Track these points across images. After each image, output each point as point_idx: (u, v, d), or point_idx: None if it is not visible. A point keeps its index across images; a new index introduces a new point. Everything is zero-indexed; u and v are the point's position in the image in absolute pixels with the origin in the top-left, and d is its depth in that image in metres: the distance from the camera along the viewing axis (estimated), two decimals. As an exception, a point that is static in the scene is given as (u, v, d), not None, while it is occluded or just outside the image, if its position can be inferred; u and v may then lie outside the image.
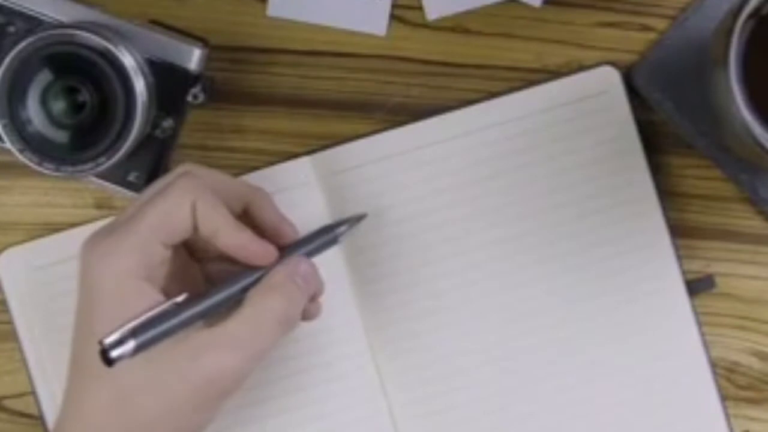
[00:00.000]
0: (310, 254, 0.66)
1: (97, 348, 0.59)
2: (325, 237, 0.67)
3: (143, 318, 0.59)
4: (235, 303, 0.61)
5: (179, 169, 0.63)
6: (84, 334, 0.61)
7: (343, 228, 0.67)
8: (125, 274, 0.59)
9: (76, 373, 0.61)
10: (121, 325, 0.58)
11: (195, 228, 0.61)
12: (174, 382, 0.59)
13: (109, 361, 0.58)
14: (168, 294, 0.61)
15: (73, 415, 0.61)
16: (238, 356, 0.60)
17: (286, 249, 0.65)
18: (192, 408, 0.60)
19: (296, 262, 0.63)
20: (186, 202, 0.61)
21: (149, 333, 0.59)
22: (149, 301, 0.60)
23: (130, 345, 0.58)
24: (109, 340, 0.58)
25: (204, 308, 0.61)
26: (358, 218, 0.68)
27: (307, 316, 0.66)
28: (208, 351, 0.59)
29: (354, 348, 0.70)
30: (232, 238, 0.61)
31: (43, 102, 0.64)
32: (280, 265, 0.63)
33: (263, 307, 0.61)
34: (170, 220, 0.60)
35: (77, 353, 0.61)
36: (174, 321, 0.60)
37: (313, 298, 0.67)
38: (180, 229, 0.61)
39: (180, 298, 0.61)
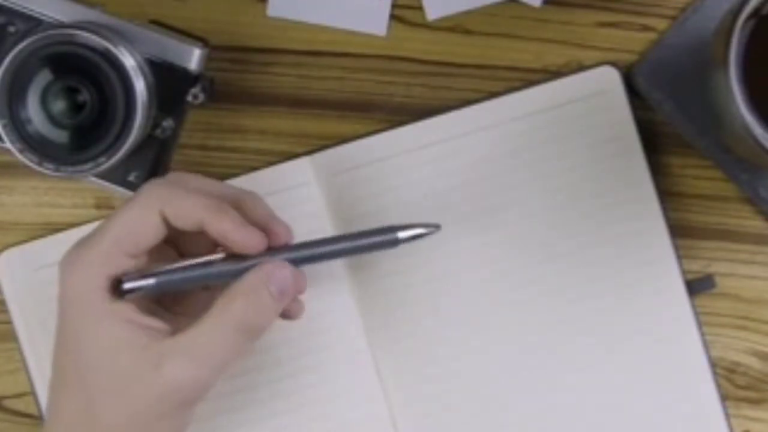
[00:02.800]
0: (365, 249, 0.64)
1: (67, 360, 0.60)
2: (385, 236, 0.64)
3: (171, 266, 0.60)
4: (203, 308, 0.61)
5: (149, 182, 0.62)
6: (57, 345, 0.61)
7: (409, 233, 0.64)
8: (90, 287, 0.59)
9: (52, 382, 0.61)
10: (112, 310, 0.59)
11: (172, 230, 0.61)
12: (137, 390, 0.59)
13: (120, 293, 0.59)
14: (153, 299, 0.61)
15: (51, 423, 0.61)
16: (197, 366, 0.59)
17: (339, 239, 0.64)
18: (155, 417, 0.59)
19: (272, 268, 0.61)
20: (151, 211, 0.60)
21: (169, 276, 0.60)
22: (117, 311, 0.59)
23: (151, 281, 0.60)
24: (129, 275, 0.60)
25: (227, 271, 0.61)
26: (432, 228, 0.65)
27: (289, 315, 0.65)
28: (170, 360, 0.58)
29: (354, 348, 0.70)
30: (217, 226, 0.60)
31: (43, 102, 0.64)
32: (254, 269, 0.60)
33: (225, 314, 0.59)
34: (135, 231, 0.60)
35: (53, 363, 0.62)
36: (197, 273, 0.61)
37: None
38: (147, 238, 0.60)
39: (219, 256, 0.61)
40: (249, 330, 0.60)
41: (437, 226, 0.65)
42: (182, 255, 0.64)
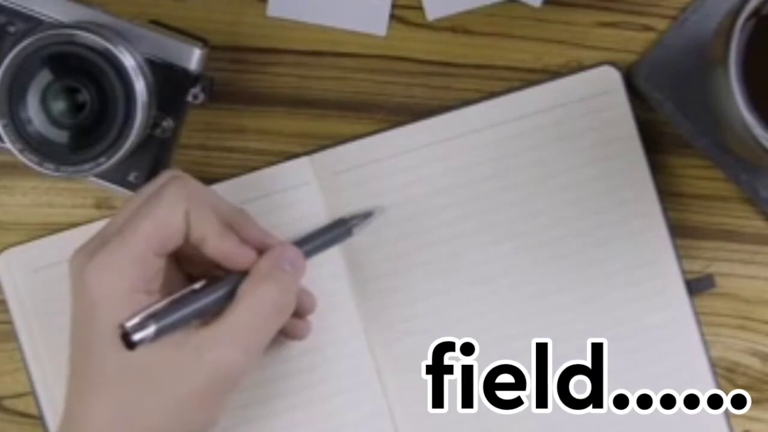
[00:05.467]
0: (323, 246, 0.68)
1: (94, 364, 0.59)
2: (338, 229, 0.69)
3: (163, 303, 0.60)
4: (228, 299, 0.62)
5: (167, 174, 0.63)
6: (83, 350, 0.61)
7: (358, 220, 0.69)
8: (124, 289, 0.59)
9: (76, 388, 0.61)
10: (140, 311, 0.59)
11: (186, 235, 0.61)
12: (177, 383, 0.59)
13: (130, 345, 0.58)
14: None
15: (77, 430, 0.61)
16: (239, 349, 0.60)
17: (299, 242, 0.67)
18: (197, 406, 0.60)
19: (280, 249, 0.64)
20: (179, 209, 0.60)
21: (170, 317, 0.59)
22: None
23: (151, 329, 0.59)
24: (131, 323, 0.59)
25: (222, 294, 0.62)
26: (375, 211, 0.70)
27: (296, 334, 0.68)
28: (211, 348, 0.59)
29: (354, 348, 0.70)
30: (218, 245, 0.61)
31: (43, 102, 0.64)
32: (265, 256, 0.63)
33: (256, 297, 0.61)
34: (165, 228, 0.60)
35: (77, 367, 0.61)
36: (194, 306, 0.61)
37: (303, 315, 0.67)
38: (174, 238, 0.60)
39: (198, 285, 0.62)
40: (279, 309, 0.62)
41: (382, 209, 0.70)
42: (187, 274, 0.65)
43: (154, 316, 0.59)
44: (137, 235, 0.60)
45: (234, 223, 0.63)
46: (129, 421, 0.59)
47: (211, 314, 0.61)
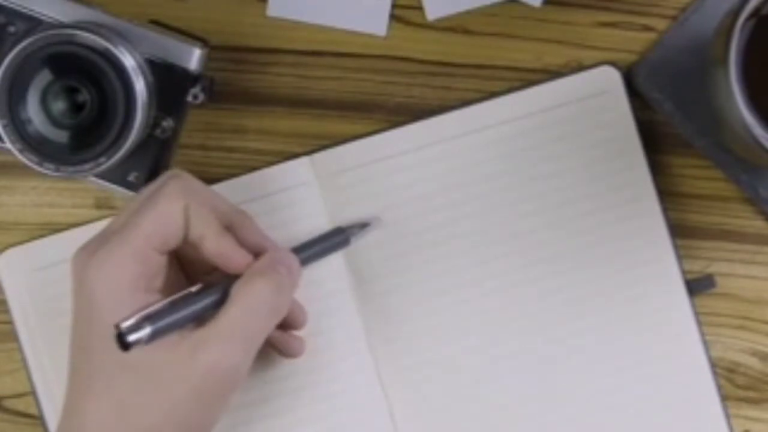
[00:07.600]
0: (320, 254, 0.68)
1: (93, 363, 0.60)
2: (336, 238, 0.69)
3: (159, 306, 0.60)
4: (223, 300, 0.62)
5: (168, 173, 0.63)
6: (82, 348, 0.61)
7: (355, 230, 0.69)
8: (123, 286, 0.59)
9: (75, 387, 0.61)
10: (137, 312, 0.59)
11: (185, 232, 0.61)
12: (173, 383, 0.59)
13: (125, 346, 0.58)
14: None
15: (75, 430, 0.61)
16: (232, 348, 0.60)
17: (296, 249, 0.67)
18: (193, 407, 0.60)
19: (276, 253, 0.63)
20: (178, 205, 0.60)
21: (165, 320, 0.59)
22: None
23: (147, 330, 0.58)
24: (126, 324, 0.58)
25: (217, 298, 0.61)
26: (372, 222, 0.70)
27: (290, 352, 0.67)
28: (204, 347, 0.59)
29: (354, 348, 0.70)
30: (216, 245, 0.61)
31: (43, 102, 0.64)
32: (260, 258, 0.63)
33: (247, 295, 0.61)
34: (164, 225, 0.60)
35: (76, 367, 0.61)
36: (189, 309, 0.60)
37: (293, 328, 0.67)
38: (174, 234, 0.61)
39: (194, 288, 0.62)
40: (271, 307, 0.62)
41: (378, 219, 0.70)
42: (188, 277, 0.65)
43: (149, 318, 0.59)
44: (136, 231, 0.60)
45: (234, 225, 0.63)
46: (126, 421, 0.59)
47: (207, 316, 0.61)
